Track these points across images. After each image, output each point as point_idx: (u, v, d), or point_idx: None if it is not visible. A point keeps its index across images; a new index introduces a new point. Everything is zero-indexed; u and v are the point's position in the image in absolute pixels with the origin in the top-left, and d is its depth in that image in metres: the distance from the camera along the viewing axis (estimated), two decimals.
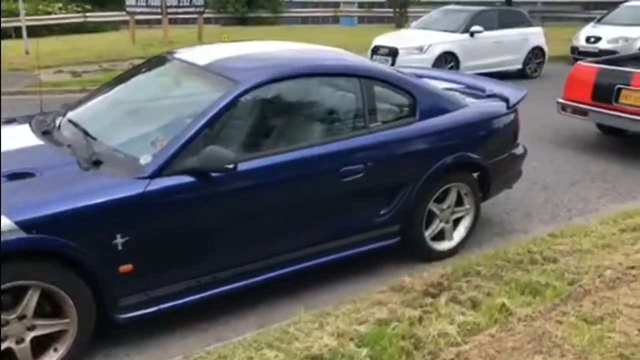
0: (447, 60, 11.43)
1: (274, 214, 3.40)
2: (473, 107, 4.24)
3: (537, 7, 36.56)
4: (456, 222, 4.30)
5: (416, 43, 11.42)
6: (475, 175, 4.23)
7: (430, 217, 4.12)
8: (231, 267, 3.29)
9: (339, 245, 3.73)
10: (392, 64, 11.32)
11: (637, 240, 4.18)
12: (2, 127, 3.64)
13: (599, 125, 7.69)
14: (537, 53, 12.76)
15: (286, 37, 19.60)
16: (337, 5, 33.81)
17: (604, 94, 6.85)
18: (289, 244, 3.52)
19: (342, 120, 3.70)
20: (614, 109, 6.77)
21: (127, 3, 16.37)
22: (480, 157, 4.17)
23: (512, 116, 4.47)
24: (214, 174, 3.05)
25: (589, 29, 15.45)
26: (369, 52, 12.05)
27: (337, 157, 3.49)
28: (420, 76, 4.93)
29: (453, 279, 3.55)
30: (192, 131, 3.09)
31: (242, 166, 3.16)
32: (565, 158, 6.85)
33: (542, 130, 7.98)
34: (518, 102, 4.52)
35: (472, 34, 11.66)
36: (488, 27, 11.94)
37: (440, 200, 4.12)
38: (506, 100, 4.44)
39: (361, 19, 28.15)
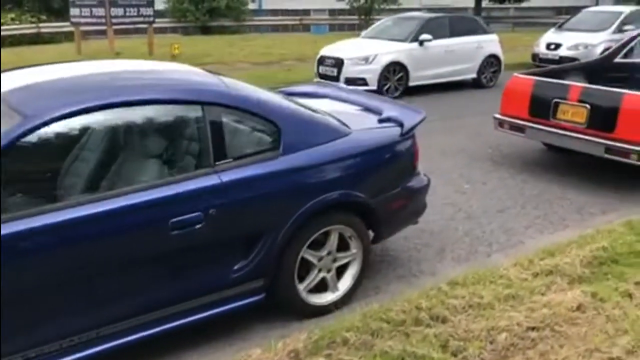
0: (396, 70, 10.86)
1: (87, 276, 2.75)
2: (356, 136, 3.61)
3: (510, 13, 36.56)
4: (342, 269, 3.66)
5: (362, 53, 10.83)
6: (360, 215, 3.60)
7: (306, 267, 3.48)
8: (48, 341, 2.65)
9: (187, 308, 3.08)
10: (337, 76, 10.76)
11: (549, 288, 3.58)
12: None
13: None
14: (492, 61, 12.25)
15: (243, 46, 19.17)
16: (307, 13, 33.41)
17: (541, 108, 6.29)
18: (119, 310, 2.87)
19: (176, 158, 3.06)
20: (552, 125, 6.21)
21: (72, 13, 15.63)
22: (365, 194, 3.55)
23: (407, 143, 3.86)
24: None
25: (550, 36, 15.01)
26: (316, 63, 11.46)
27: (162, 206, 2.84)
28: (312, 95, 4.34)
29: (312, 351, 2.91)
30: None
31: (39, 220, 2.52)
32: (500, 179, 6.27)
33: (482, 146, 7.43)
34: (414, 127, 3.91)
35: (421, 43, 11.11)
36: (439, 36, 11.40)
37: (317, 246, 3.48)
38: (400, 125, 3.83)
39: (332, 27, 27.59)
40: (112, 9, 15.06)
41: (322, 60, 11.26)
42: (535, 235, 4.86)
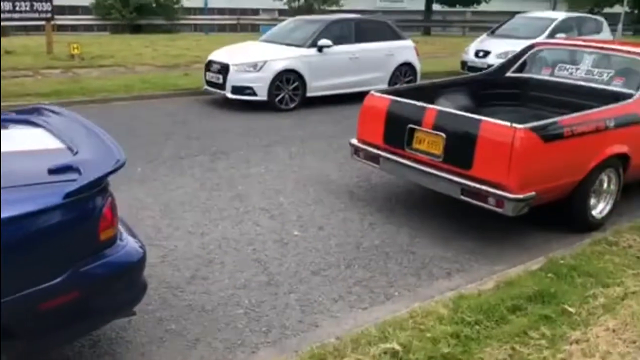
0: (290, 79, 9.62)
1: None
2: None
3: (467, 17, 35.81)
4: None
5: (250, 59, 9.56)
6: None
7: None
8: None
9: None
10: (223, 84, 9.49)
11: None
12: None
13: None
14: (405, 70, 11.12)
15: (161, 47, 17.60)
16: (256, 12, 32.09)
17: (396, 135, 5.11)
18: None
19: None
20: (407, 157, 5.04)
21: None
22: None
23: (84, 205, 2.59)
24: None
25: (479, 42, 14.00)
26: (204, 69, 10.17)
27: None
28: (28, 122, 3.09)
29: None
30: None
31: None
32: (344, 222, 5.07)
33: (349, 175, 6.25)
34: (104, 177, 2.66)
35: (320, 49, 9.89)
36: (341, 41, 10.22)
37: None
38: (77, 171, 2.58)
39: None
40: None
41: (209, 66, 9.97)
42: (341, 313, 3.65)
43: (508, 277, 3.92)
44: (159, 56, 15.14)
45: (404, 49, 11.11)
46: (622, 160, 5.05)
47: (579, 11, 26.86)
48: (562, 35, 13.25)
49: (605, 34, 14.79)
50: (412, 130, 4.97)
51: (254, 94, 9.40)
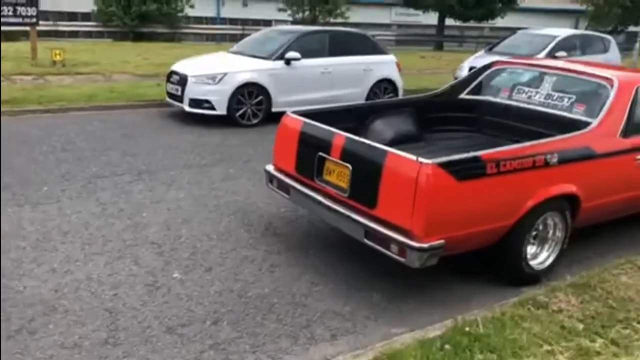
0: (253, 94, 9.00)
1: None
2: None
3: (485, 33, 34.91)
4: None
5: (210, 70, 8.96)
6: None
7: None
8: None
9: None
10: (181, 96, 8.92)
11: None
12: None
13: None
14: (385, 86, 10.42)
15: (152, 56, 17.04)
16: (268, 23, 31.68)
17: (307, 163, 4.43)
18: None
19: None
20: (317, 189, 4.35)
21: None
22: None
23: None
24: None
25: (474, 58, 13.22)
26: (166, 79, 9.62)
27: None
28: None
29: None
30: None
31: None
32: (240, 262, 4.37)
33: (277, 204, 5.54)
34: None
35: (288, 62, 9.26)
36: (313, 54, 9.57)
37: None
38: None
39: None
40: None
41: (170, 77, 9.40)
42: None
43: (392, 348, 3.19)
44: (144, 65, 14.69)
45: (383, 64, 10.41)
46: (569, 201, 4.27)
47: (599, 29, 25.89)
48: (564, 53, 12.44)
49: (613, 54, 13.88)
50: (322, 159, 4.28)
51: (213, 108, 8.80)
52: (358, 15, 31.61)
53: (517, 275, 4.18)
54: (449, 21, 30.81)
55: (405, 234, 3.61)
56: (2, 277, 3.88)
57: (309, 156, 4.37)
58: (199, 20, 30.44)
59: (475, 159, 3.69)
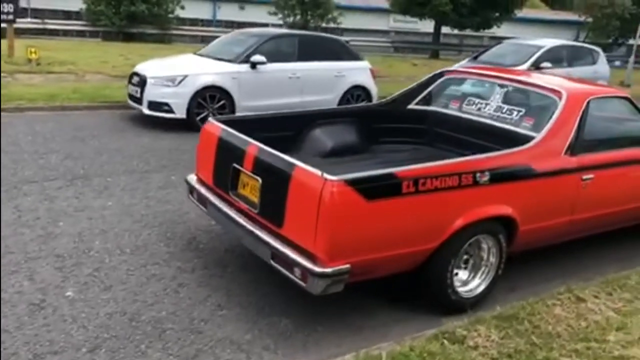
0: (215, 98, 8.66)
1: None
2: None
3: (484, 42, 34.54)
4: None
5: (170, 72, 8.63)
6: None
7: None
8: None
9: None
10: (141, 98, 8.58)
11: None
12: None
13: None
14: (358, 94, 10.08)
15: (134, 56, 16.59)
16: (265, 26, 31.38)
17: (223, 175, 4.09)
18: None
19: None
20: (230, 203, 4.00)
21: None
22: None
23: None
24: None
25: (457, 67, 12.85)
26: (127, 81, 9.30)
27: None
28: None
29: None
30: None
31: None
32: (146, 280, 4.01)
33: (205, 216, 5.18)
34: None
35: (253, 65, 8.92)
36: (281, 58, 9.25)
37: None
38: None
39: None
40: None
41: (131, 78, 9.07)
42: None
43: None
44: (122, 66, 14.36)
45: (356, 70, 10.08)
46: (504, 224, 3.91)
47: (598, 41, 25.54)
48: (548, 65, 12.08)
49: (601, 66, 13.53)
50: (237, 171, 3.93)
51: (171, 111, 8.47)
52: (356, 21, 31.38)
53: (443, 302, 3.82)
54: (448, 30, 30.47)
55: (308, 256, 3.26)
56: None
57: (225, 167, 4.03)
58: (195, 22, 30.22)
59: (389, 176, 3.34)
